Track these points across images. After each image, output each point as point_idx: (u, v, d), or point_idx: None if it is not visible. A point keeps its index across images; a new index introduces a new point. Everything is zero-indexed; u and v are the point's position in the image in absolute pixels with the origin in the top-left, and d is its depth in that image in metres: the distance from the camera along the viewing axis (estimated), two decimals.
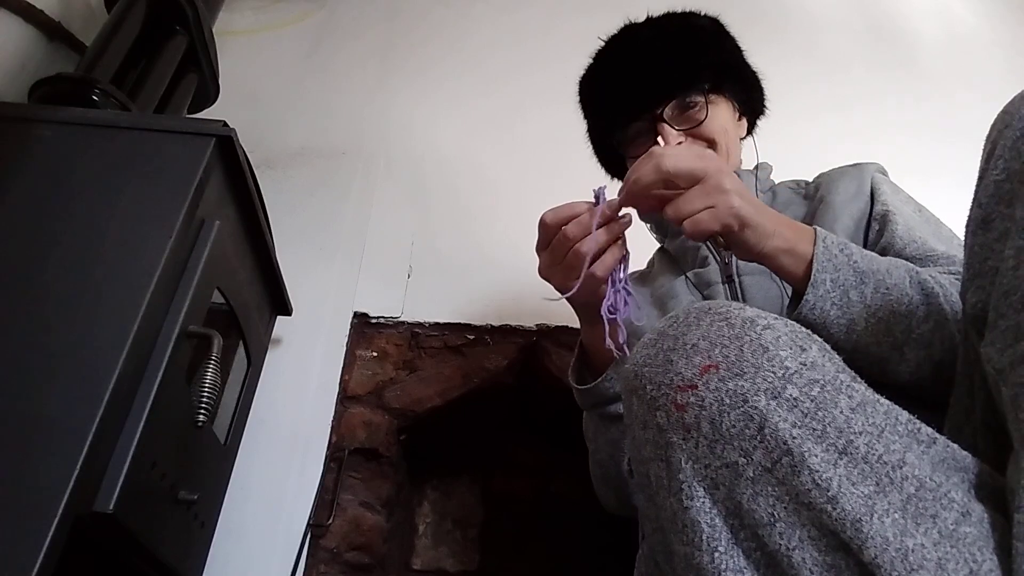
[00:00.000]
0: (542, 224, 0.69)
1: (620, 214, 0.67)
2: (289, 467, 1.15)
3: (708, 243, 0.90)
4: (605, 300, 0.67)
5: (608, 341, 0.67)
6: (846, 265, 0.62)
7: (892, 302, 0.61)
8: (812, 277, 0.61)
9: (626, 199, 0.65)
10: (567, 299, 0.69)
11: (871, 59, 1.78)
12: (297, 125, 1.59)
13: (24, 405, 0.64)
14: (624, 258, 0.68)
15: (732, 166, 0.92)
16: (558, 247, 0.68)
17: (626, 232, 0.69)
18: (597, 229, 0.65)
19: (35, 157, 0.80)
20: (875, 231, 0.80)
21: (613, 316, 0.67)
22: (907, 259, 0.73)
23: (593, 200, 0.68)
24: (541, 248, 0.71)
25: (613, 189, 0.70)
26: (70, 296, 0.70)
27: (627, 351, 0.67)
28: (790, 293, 0.77)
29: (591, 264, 0.66)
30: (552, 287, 0.72)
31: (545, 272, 0.71)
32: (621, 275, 0.68)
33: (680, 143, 0.86)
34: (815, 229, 0.64)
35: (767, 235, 0.62)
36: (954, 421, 0.52)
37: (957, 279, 0.65)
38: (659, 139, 0.86)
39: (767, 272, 0.80)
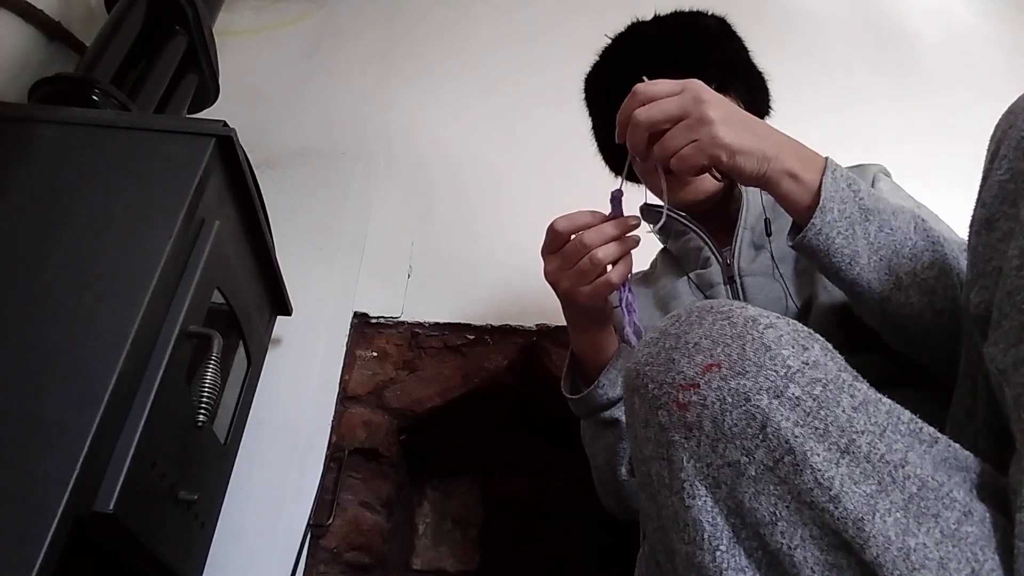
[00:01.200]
0: (553, 231, 0.70)
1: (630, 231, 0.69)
2: (289, 467, 1.15)
3: (700, 232, 0.89)
4: (622, 302, 0.70)
5: (627, 330, 0.69)
6: (852, 200, 0.62)
7: (896, 243, 0.62)
8: (820, 204, 0.60)
9: (634, 150, 0.65)
10: (571, 302, 0.69)
11: (871, 59, 1.78)
12: (297, 125, 1.59)
13: (24, 405, 0.64)
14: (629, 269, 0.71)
15: None
16: (572, 252, 0.69)
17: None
18: (615, 238, 0.67)
19: (35, 157, 0.80)
20: None
21: (629, 315, 0.69)
22: None
23: (609, 200, 0.69)
24: (548, 252, 0.71)
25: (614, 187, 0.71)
26: (70, 296, 0.70)
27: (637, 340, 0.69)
28: (791, 289, 0.77)
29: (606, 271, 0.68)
30: (556, 293, 0.73)
31: (553, 276, 0.72)
32: (626, 287, 0.71)
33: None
34: (826, 159, 0.63)
35: (766, 158, 0.61)
36: (956, 421, 0.52)
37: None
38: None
39: (769, 273, 0.80)
